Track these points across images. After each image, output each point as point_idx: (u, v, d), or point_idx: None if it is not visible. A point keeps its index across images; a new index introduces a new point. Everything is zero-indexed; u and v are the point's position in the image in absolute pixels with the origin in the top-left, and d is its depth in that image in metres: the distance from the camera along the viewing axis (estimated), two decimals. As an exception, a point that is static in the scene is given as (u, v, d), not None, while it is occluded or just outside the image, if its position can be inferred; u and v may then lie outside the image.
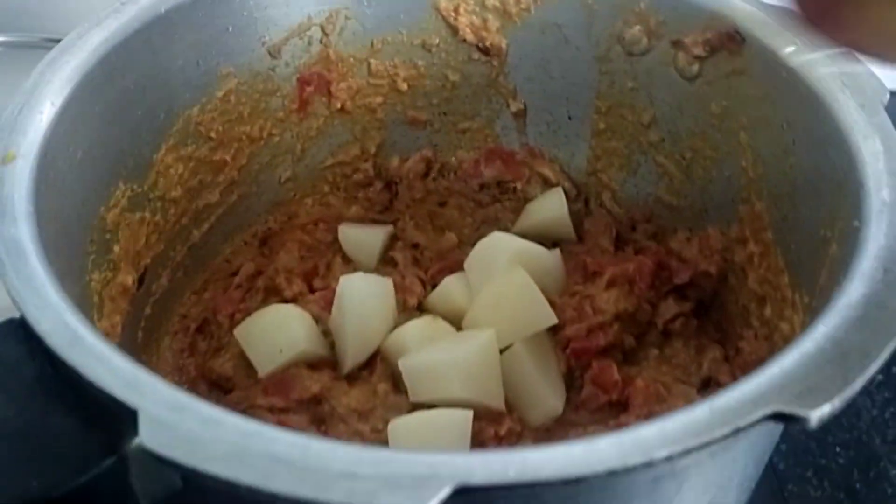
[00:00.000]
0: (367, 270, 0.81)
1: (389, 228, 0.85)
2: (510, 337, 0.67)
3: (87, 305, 0.60)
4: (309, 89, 0.81)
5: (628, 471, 0.35)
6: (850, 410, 0.87)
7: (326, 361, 0.71)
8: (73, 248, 0.58)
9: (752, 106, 0.67)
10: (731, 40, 0.66)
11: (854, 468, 0.82)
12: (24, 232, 0.47)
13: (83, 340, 0.41)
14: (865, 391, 0.88)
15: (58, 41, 0.62)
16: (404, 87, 0.84)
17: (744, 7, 0.66)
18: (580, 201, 0.87)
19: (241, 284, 0.81)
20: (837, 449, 0.83)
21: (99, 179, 0.63)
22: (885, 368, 0.90)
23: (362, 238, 0.84)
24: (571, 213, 0.85)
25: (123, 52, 0.64)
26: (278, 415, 0.66)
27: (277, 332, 0.71)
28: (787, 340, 0.61)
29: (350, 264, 0.82)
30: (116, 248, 0.66)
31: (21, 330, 0.45)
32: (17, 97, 0.56)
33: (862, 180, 0.52)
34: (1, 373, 0.44)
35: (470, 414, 0.63)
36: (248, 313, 0.76)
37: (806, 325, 0.58)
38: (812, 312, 0.58)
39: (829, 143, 0.57)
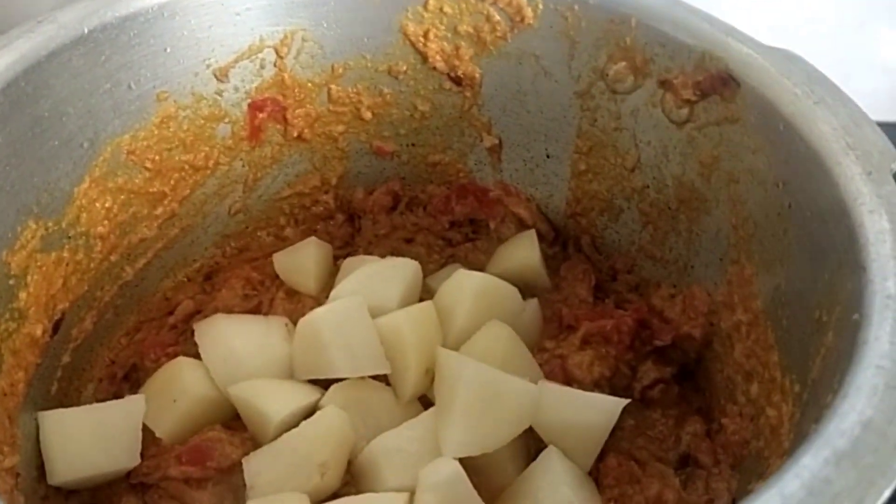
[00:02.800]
0: (308, 295, 0.75)
1: (326, 247, 0.78)
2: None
3: (-22, 365, 0.53)
4: (262, 116, 0.74)
5: None
6: None
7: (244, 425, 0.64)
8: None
9: (745, 158, 0.60)
10: (724, 85, 0.59)
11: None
12: None
13: None
14: None
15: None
16: (368, 115, 0.77)
17: (740, 49, 0.59)
18: (557, 244, 0.80)
19: (177, 325, 0.74)
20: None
21: (1, 220, 0.56)
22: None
23: (295, 260, 0.77)
24: (548, 256, 0.78)
25: (37, 76, 0.57)
26: (194, 488, 0.59)
27: (171, 383, 0.65)
28: (774, 430, 0.54)
29: (294, 298, 0.75)
30: (23, 295, 0.58)
31: None
32: None
33: (864, 264, 0.45)
34: None
35: (405, 497, 0.56)
36: (176, 357, 0.69)
37: (795, 418, 0.51)
38: (803, 405, 0.50)
39: (828, 213, 0.50)
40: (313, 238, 0.78)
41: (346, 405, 0.63)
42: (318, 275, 0.76)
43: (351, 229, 0.83)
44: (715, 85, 0.60)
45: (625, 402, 0.61)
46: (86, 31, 0.59)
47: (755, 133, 0.58)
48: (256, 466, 0.59)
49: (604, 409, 0.61)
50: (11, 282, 0.57)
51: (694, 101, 0.63)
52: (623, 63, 0.66)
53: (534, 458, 0.61)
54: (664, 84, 0.64)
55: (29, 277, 0.59)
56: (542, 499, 0.57)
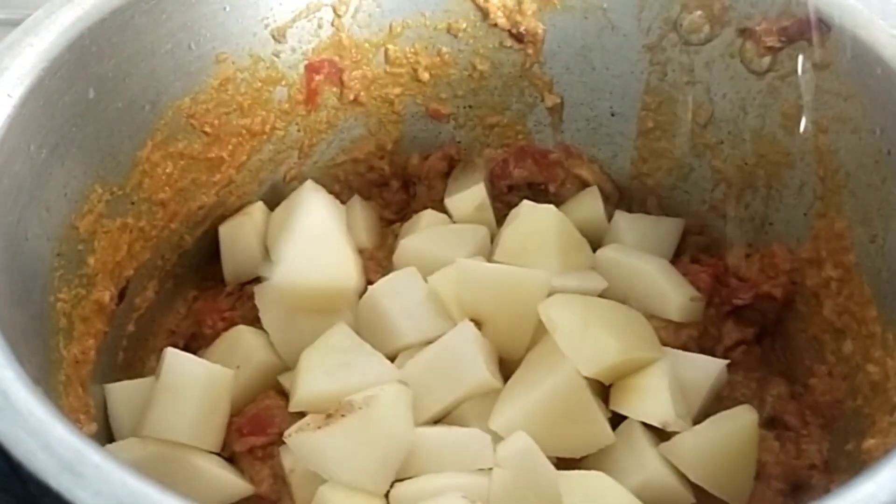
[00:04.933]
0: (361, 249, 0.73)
1: (368, 204, 0.78)
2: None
3: (51, 330, 0.51)
4: (318, 78, 0.71)
5: None
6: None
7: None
8: (32, 266, 0.49)
9: (836, 106, 0.58)
10: (814, 29, 0.56)
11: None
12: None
13: (11, 403, 0.32)
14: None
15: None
16: (426, 76, 0.74)
17: (831, -11, 0.56)
18: (622, 206, 0.78)
19: (232, 292, 0.72)
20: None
21: (69, 182, 0.54)
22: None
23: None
24: (611, 217, 0.75)
25: (100, 34, 0.55)
26: (264, 459, 0.58)
27: (232, 351, 0.64)
28: (877, 386, 0.52)
29: None
30: (91, 261, 0.57)
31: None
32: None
33: None
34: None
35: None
36: (233, 323, 0.68)
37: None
38: (913, 360, 0.48)
39: (939, 156, 0.48)
40: (356, 197, 0.77)
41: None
42: (369, 231, 0.75)
43: (406, 195, 0.81)
44: (803, 30, 0.57)
45: (724, 362, 0.59)
46: (149, -14, 0.57)
47: (848, 79, 0.56)
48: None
49: (704, 369, 0.59)
50: (80, 247, 0.56)
51: (778, 48, 0.60)
52: (699, 12, 0.64)
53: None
54: (744, 32, 0.62)
55: (96, 243, 0.57)
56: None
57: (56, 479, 0.29)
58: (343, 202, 0.79)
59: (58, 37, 0.52)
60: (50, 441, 0.31)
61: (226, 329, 0.68)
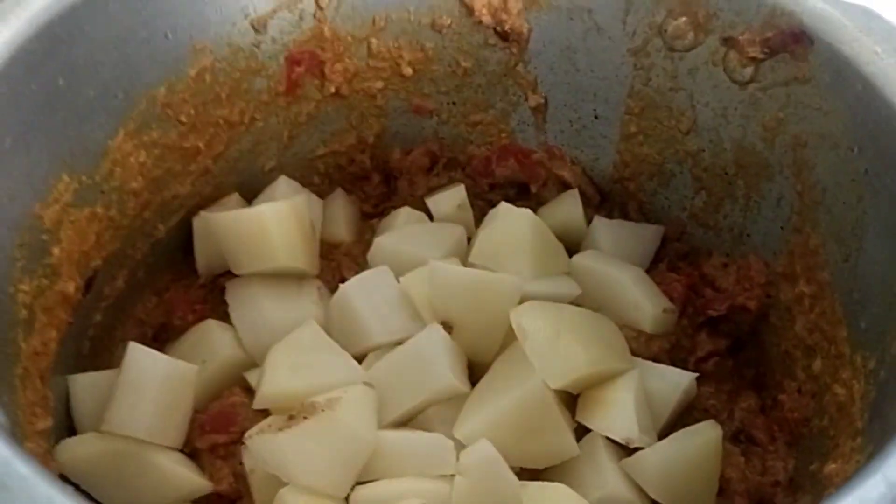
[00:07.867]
0: (341, 243, 0.74)
1: (351, 198, 0.78)
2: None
3: (9, 323, 0.50)
4: (299, 70, 0.70)
5: None
6: None
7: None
8: (-8, 257, 0.48)
9: (815, 121, 0.57)
10: (796, 42, 0.56)
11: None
12: None
13: None
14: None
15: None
16: (409, 71, 0.73)
17: (814, 4, 0.55)
18: (603, 210, 0.77)
19: (205, 284, 0.71)
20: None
21: (34, 171, 0.53)
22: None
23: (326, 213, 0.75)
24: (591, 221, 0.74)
25: (72, 21, 0.54)
26: (225, 458, 0.57)
27: (200, 345, 0.63)
28: (843, 409, 0.52)
29: (328, 257, 0.73)
30: (56, 251, 0.56)
31: None
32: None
33: (960, 234, 0.42)
34: None
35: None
36: (203, 315, 0.68)
37: (870, 397, 0.48)
38: (880, 384, 0.48)
39: (914, 179, 0.47)
40: (339, 190, 0.76)
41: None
42: (349, 224, 0.75)
43: (386, 189, 0.80)
44: (786, 42, 0.56)
45: (693, 375, 0.59)
46: (123, -27, 0.56)
47: (828, 94, 0.55)
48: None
49: (672, 381, 0.58)
50: (44, 237, 0.55)
51: (760, 59, 0.59)
52: (683, 18, 0.63)
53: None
54: (728, 41, 0.61)
55: (62, 233, 0.57)
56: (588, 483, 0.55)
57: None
58: (323, 195, 0.78)
59: (26, 24, 0.51)
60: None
61: (196, 321, 0.68)
